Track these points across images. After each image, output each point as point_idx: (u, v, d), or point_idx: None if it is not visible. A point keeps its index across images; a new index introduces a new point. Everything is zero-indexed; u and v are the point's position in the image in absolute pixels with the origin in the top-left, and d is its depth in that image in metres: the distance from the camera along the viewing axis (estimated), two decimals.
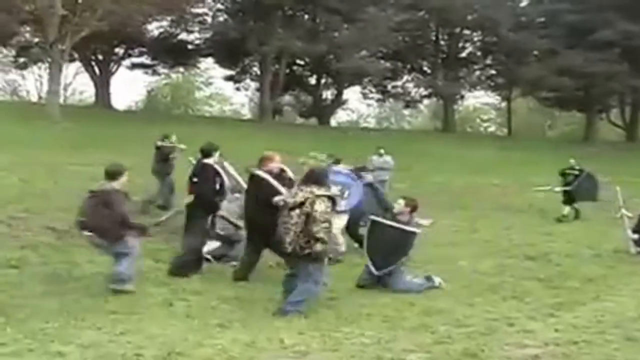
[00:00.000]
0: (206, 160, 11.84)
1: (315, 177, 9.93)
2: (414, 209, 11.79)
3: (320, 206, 9.42)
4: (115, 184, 10.36)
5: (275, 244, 9.92)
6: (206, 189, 11.61)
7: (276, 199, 10.77)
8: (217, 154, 11.99)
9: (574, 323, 8.97)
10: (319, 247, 9.36)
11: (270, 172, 11.53)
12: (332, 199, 9.66)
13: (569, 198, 20.43)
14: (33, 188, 17.27)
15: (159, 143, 17.82)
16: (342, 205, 13.43)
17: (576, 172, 20.74)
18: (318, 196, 9.49)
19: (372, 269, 11.13)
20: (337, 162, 16.67)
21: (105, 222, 10.08)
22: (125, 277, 10.21)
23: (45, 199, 15.89)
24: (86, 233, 10.38)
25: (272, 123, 47.15)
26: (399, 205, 11.77)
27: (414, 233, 11.37)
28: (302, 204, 9.51)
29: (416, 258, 12.20)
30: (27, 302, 9.35)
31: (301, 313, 9.35)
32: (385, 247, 11.27)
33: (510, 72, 51.89)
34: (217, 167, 11.85)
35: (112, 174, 10.42)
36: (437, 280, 11.37)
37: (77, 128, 30.92)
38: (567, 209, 20.24)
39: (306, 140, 33.92)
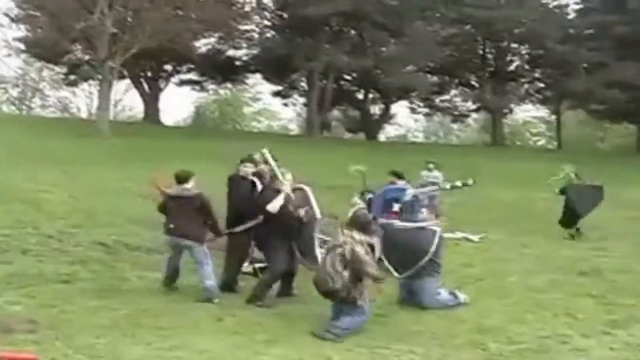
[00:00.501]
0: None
1: (360, 223, 9.97)
2: (437, 215, 11.80)
3: (360, 249, 9.46)
4: (190, 187, 11.10)
5: (319, 284, 9.86)
6: None
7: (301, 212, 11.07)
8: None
9: (630, 341, 8.81)
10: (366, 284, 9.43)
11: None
12: (371, 246, 9.66)
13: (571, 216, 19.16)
14: (82, 204, 17.39)
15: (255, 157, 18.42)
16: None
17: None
18: (357, 242, 9.52)
19: (395, 273, 11.01)
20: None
21: (194, 224, 10.90)
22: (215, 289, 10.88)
23: (94, 215, 15.98)
24: (176, 237, 10.90)
25: (320, 138, 47.12)
26: (423, 214, 11.79)
27: (431, 231, 11.24)
28: (340, 246, 9.56)
29: (466, 273, 12.09)
30: (77, 317, 9.39)
31: (339, 340, 9.27)
32: (401, 249, 11.16)
33: (558, 85, 51.36)
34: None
35: (184, 178, 11.17)
36: (462, 297, 11.14)
37: (126, 144, 31.15)
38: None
39: (354, 155, 33.84)
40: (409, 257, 11.00)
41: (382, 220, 13.34)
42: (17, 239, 11.65)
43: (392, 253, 11.07)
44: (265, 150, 12.50)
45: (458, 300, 11.08)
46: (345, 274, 9.45)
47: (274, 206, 10.98)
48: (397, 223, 11.84)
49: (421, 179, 22.28)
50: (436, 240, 11.07)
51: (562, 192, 19.15)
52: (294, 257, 11.37)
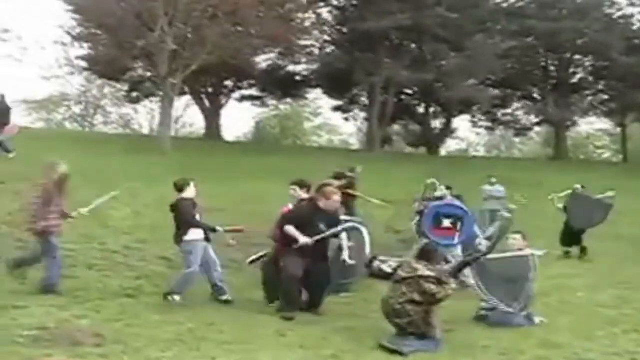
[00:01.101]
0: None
1: (427, 255, 9.94)
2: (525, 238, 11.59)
3: (423, 286, 9.40)
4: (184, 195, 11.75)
5: (390, 316, 9.79)
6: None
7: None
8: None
9: None
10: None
11: None
12: (437, 279, 9.57)
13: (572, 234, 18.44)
14: (146, 219, 17.54)
15: (348, 174, 19.10)
16: (456, 238, 13.27)
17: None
18: (421, 277, 9.44)
19: (508, 309, 10.76)
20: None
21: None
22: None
23: (157, 230, 16.08)
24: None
25: (381, 153, 47.01)
26: (516, 240, 11.51)
27: (525, 257, 11.04)
28: (405, 279, 9.52)
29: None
30: (143, 331, 9.45)
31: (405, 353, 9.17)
32: (503, 281, 10.91)
33: (623, 97, 50.53)
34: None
35: (180, 187, 11.87)
36: (537, 320, 10.93)
37: (187, 160, 31.33)
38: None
39: (415, 169, 33.72)
40: (514, 288, 10.82)
41: (433, 238, 13.29)
42: (83, 254, 11.79)
43: (495, 287, 10.84)
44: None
45: (532, 323, 10.87)
46: (414, 309, 9.39)
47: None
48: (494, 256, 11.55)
49: (484, 193, 22.12)
50: (533, 266, 10.96)
51: (566, 209, 18.84)
52: (316, 264, 11.30)
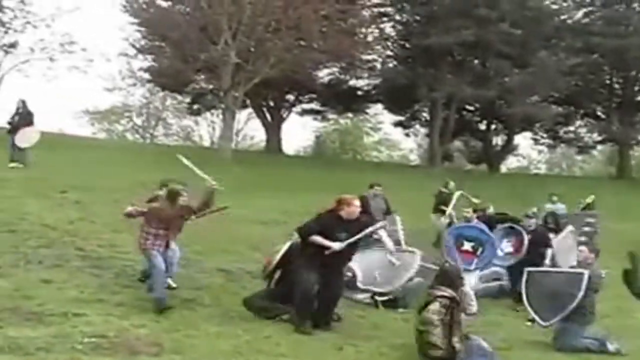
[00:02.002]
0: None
1: (449, 279, 9.74)
2: (597, 254, 11.30)
3: (435, 306, 9.30)
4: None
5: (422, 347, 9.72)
6: None
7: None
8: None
9: None
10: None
11: None
12: (455, 301, 9.43)
13: None
14: (205, 231, 17.57)
15: (441, 189, 19.30)
16: (473, 263, 12.99)
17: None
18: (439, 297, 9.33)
19: (540, 322, 10.57)
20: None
21: None
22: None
23: (216, 242, 16.17)
24: None
25: (442, 169, 46.74)
26: (581, 252, 11.26)
27: (579, 274, 10.72)
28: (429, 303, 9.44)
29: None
30: (201, 342, 9.48)
31: None
32: (548, 295, 10.65)
33: None
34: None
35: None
36: (612, 347, 10.53)
37: (247, 173, 31.49)
38: None
39: (475, 186, 33.47)
40: (556, 303, 10.44)
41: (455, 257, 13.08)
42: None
43: (535, 298, 10.57)
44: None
45: (605, 348, 10.51)
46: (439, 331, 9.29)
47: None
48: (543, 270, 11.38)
49: (544, 211, 21.86)
50: (584, 284, 10.46)
51: None
52: (329, 279, 11.10)
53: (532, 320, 10.39)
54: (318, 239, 10.90)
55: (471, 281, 12.56)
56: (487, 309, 12.22)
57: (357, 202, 11.19)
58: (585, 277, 10.53)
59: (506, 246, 14.57)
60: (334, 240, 10.82)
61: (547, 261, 13.28)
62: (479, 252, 13.36)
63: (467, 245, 13.56)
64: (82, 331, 9.58)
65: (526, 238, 14.40)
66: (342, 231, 10.93)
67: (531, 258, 13.77)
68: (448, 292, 9.44)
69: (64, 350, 8.82)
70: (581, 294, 10.27)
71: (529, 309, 10.57)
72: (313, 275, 10.86)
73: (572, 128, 56.03)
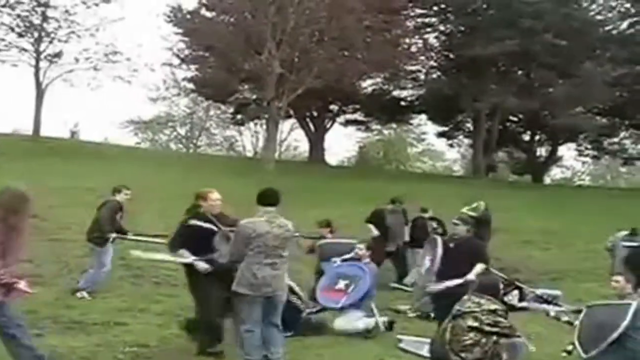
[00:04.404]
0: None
1: (488, 290, 9.57)
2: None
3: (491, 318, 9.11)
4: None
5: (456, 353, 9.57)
6: None
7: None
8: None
9: None
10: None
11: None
12: (505, 311, 9.31)
13: None
14: None
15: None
16: (341, 302, 12.04)
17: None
18: (490, 310, 9.18)
19: (581, 354, 10.16)
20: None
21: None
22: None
23: None
24: None
25: (486, 180, 46.46)
26: (618, 282, 10.70)
27: (628, 305, 10.17)
28: (468, 313, 9.24)
29: None
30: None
31: None
32: (595, 327, 10.16)
33: None
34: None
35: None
36: None
37: (290, 183, 31.39)
38: None
39: (520, 197, 33.23)
40: (600, 334, 9.52)
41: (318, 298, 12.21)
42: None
43: (585, 330, 10.04)
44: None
45: None
46: (486, 340, 9.14)
47: None
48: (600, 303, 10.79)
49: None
50: (630, 313, 9.45)
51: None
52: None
53: (569, 352, 9.96)
54: (181, 259, 10.01)
55: (341, 322, 11.56)
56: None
57: (216, 195, 10.37)
58: (633, 307, 9.97)
59: (427, 262, 11.75)
60: (209, 248, 9.81)
61: (471, 275, 10.98)
62: (349, 290, 12.32)
63: (341, 284, 12.39)
64: (123, 340, 9.63)
65: (440, 249, 11.49)
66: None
67: (450, 274, 11.20)
68: (491, 304, 9.38)
69: (105, 359, 8.85)
70: (625, 323, 9.73)
71: (575, 341, 10.02)
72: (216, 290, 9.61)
73: (616, 139, 55.43)
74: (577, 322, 9.95)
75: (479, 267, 11.08)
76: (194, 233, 9.82)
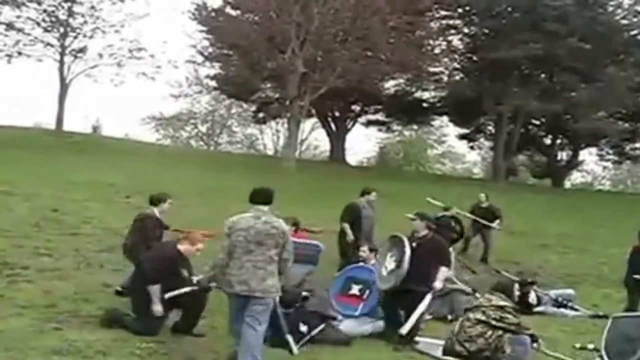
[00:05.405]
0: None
1: (504, 289, 9.90)
2: None
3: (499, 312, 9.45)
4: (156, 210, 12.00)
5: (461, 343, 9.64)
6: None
7: None
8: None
9: None
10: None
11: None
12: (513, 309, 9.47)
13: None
14: None
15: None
16: (359, 308, 11.94)
17: None
18: (499, 306, 9.30)
19: None
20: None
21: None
22: None
23: None
24: None
25: (506, 183, 46.32)
26: None
27: None
28: (478, 307, 9.42)
29: None
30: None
31: None
32: (622, 340, 10.08)
33: None
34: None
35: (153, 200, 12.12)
36: None
37: (311, 182, 31.53)
38: None
39: (540, 201, 33.15)
40: (628, 347, 9.38)
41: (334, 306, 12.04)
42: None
43: (612, 344, 9.91)
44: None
45: None
46: (491, 332, 9.28)
47: None
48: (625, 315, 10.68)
49: None
50: None
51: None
52: None
53: (583, 348, 9.88)
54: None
55: (349, 325, 11.41)
56: None
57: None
58: None
59: (390, 263, 11.35)
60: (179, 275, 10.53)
61: (438, 283, 10.86)
62: (365, 296, 12.16)
63: (355, 289, 12.25)
64: (140, 336, 9.67)
65: (407, 249, 11.04)
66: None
67: (415, 276, 10.88)
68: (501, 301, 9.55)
69: (121, 355, 8.93)
70: None
71: (603, 352, 9.85)
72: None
73: (638, 144, 55.10)
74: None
75: (443, 273, 11.05)
76: None
